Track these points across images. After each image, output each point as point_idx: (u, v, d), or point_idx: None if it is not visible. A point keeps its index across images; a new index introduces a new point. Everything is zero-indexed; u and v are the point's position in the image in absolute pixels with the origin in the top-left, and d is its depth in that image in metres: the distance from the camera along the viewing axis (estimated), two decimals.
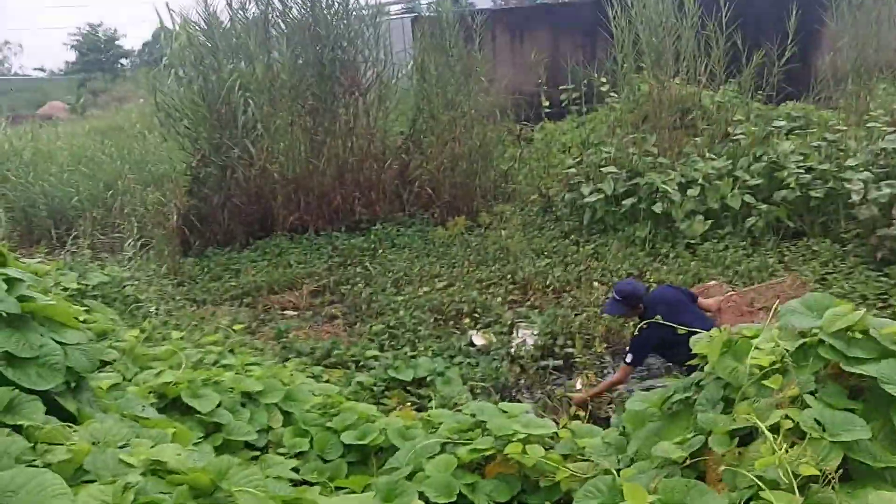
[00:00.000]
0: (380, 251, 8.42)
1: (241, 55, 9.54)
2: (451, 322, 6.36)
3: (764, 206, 7.76)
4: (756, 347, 2.08)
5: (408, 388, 4.74)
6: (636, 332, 4.44)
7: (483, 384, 4.99)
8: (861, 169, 7.41)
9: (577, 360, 5.48)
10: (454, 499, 2.44)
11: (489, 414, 2.79)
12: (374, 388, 4.63)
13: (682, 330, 2.69)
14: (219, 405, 2.91)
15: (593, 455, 2.42)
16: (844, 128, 8.58)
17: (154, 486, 1.65)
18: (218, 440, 2.77)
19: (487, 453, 2.60)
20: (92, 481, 1.65)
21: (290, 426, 3.12)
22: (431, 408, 3.98)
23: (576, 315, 6.15)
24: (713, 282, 5.96)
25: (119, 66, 44.56)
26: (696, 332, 2.36)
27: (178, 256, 8.35)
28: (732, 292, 5.09)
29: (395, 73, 9.98)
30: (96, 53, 43.53)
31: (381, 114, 9.73)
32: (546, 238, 8.41)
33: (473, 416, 2.84)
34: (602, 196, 8.37)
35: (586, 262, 7.58)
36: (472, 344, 5.81)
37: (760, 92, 9.91)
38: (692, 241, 7.75)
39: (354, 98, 9.51)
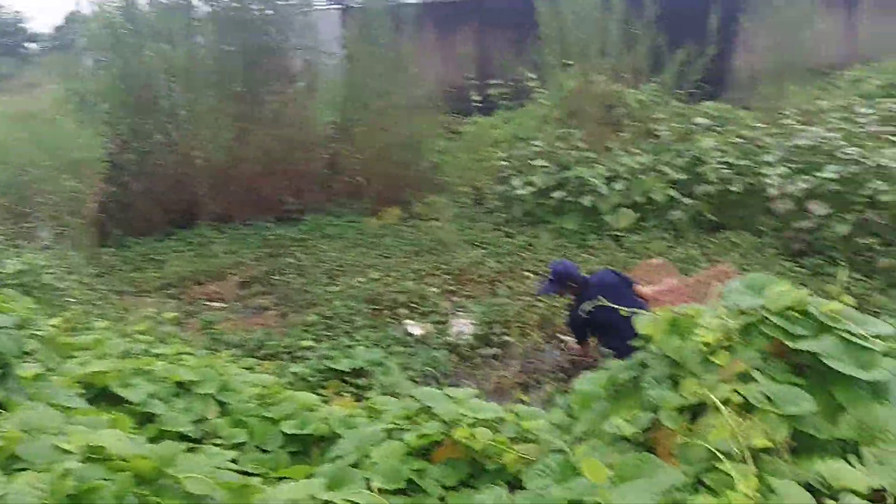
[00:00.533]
0: (311, 241, 8.26)
1: (163, 39, 9.17)
2: (387, 312, 6.30)
3: (687, 201, 8.00)
4: (701, 326, 2.12)
5: (345, 378, 4.65)
6: (569, 315, 4.63)
7: (429, 369, 4.99)
8: (777, 165, 7.73)
9: (514, 347, 5.53)
10: (402, 485, 2.39)
11: (436, 399, 2.76)
12: (311, 380, 4.53)
13: (623, 313, 2.72)
14: (151, 395, 2.78)
15: (542, 435, 2.42)
16: (761, 125, 8.93)
17: (94, 472, 1.54)
18: (152, 431, 2.65)
19: (435, 438, 2.56)
20: (25, 469, 1.53)
21: (227, 416, 3.00)
22: (370, 397, 3.92)
23: (511, 304, 6.20)
24: (657, 259, 6.11)
25: (26, 50, 42.17)
26: (628, 319, 2.38)
27: (97, 246, 7.98)
28: (669, 279, 5.24)
29: (325, 62, 9.81)
30: (2, 37, 41.07)
31: (310, 102, 9.55)
32: (479, 229, 8.45)
33: (419, 401, 2.80)
34: (533, 189, 8.46)
35: (518, 252, 7.66)
36: (409, 334, 5.78)
37: (680, 91, 10.18)
38: (619, 234, 7.93)
39: (282, 85, 9.30)
